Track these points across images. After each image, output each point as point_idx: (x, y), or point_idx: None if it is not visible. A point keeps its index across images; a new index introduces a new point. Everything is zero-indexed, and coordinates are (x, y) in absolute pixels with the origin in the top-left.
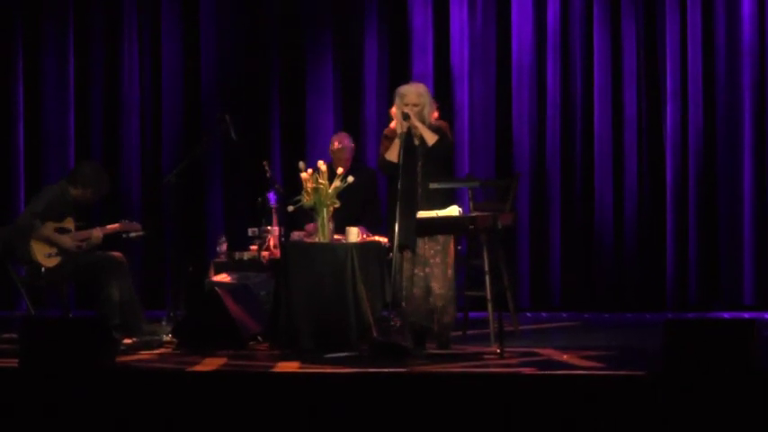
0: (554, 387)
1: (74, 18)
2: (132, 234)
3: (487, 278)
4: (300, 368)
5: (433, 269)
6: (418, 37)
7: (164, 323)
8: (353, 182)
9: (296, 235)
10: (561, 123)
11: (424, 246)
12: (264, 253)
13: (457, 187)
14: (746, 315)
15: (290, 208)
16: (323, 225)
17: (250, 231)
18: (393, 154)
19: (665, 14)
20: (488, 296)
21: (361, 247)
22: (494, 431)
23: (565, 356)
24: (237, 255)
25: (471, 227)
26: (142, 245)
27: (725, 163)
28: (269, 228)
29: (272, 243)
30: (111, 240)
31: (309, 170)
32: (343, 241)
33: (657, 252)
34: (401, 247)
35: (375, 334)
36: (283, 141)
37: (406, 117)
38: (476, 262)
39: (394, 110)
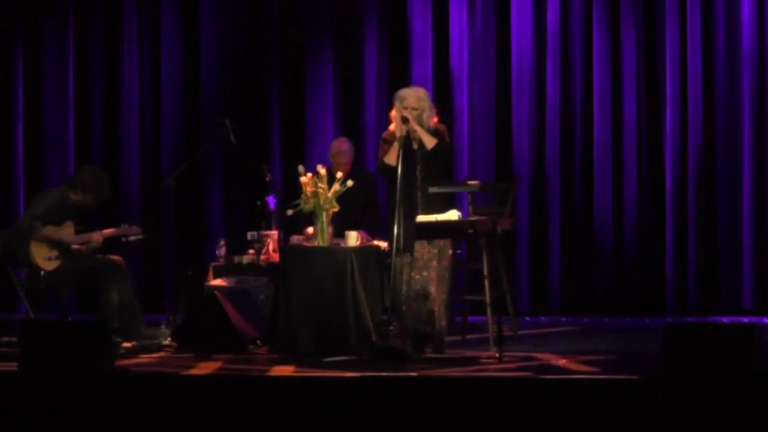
0: (551, 391)
1: (74, 18)
2: (132, 238)
3: (487, 282)
4: (295, 372)
5: (431, 273)
6: (418, 40)
7: (163, 327)
8: (353, 186)
9: (295, 239)
10: (561, 127)
11: (423, 249)
12: (263, 257)
13: (456, 191)
14: (746, 319)
15: (290, 212)
16: (322, 229)
17: (249, 235)
18: (392, 157)
19: (665, 18)
20: (488, 300)
21: (361, 251)
22: None
23: (562, 361)
24: (237, 258)
25: (471, 231)
26: (141, 248)
27: (724, 167)
28: (268, 232)
29: (271, 247)
30: (111, 244)
31: (309, 174)
32: (343, 245)
33: (657, 256)
34: (399, 251)
35: (374, 338)
36: (283, 144)
37: (405, 120)
38: (475, 266)
39: (394, 113)
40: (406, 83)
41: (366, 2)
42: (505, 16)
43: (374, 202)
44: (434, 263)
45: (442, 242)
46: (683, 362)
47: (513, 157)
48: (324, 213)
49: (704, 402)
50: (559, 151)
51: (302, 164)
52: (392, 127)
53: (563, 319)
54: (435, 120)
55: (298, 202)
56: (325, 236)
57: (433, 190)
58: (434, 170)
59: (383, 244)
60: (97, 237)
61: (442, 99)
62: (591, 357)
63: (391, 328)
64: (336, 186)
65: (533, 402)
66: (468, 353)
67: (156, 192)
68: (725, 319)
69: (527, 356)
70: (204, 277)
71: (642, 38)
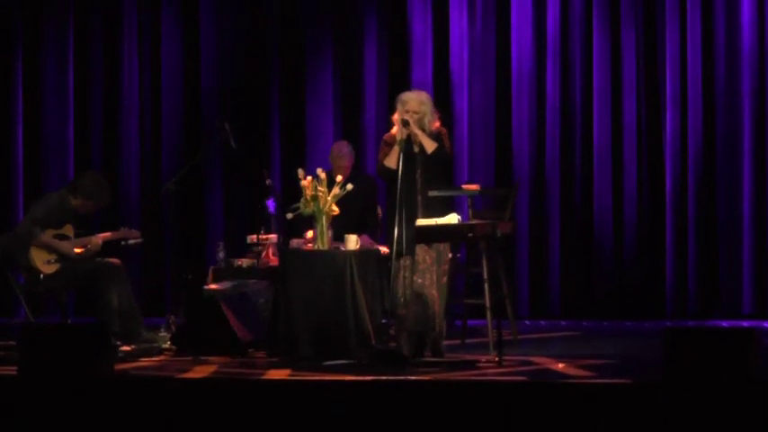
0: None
1: (74, 18)
2: (131, 241)
3: (486, 286)
4: (291, 376)
5: (430, 276)
6: (418, 42)
7: (162, 330)
8: (352, 189)
9: (295, 242)
10: (561, 130)
11: (423, 253)
12: (263, 260)
13: (456, 195)
14: (746, 324)
15: (289, 215)
16: (322, 233)
17: (249, 238)
18: (392, 160)
19: (665, 21)
20: (487, 304)
21: (361, 254)
22: None
23: (560, 365)
24: (236, 262)
25: (470, 235)
26: (141, 252)
27: (724, 170)
28: (268, 235)
29: (270, 250)
30: (111, 247)
31: (309, 178)
32: (342, 249)
33: (657, 260)
34: (399, 254)
35: (374, 341)
36: (283, 145)
37: (405, 124)
38: (475, 270)
39: (395, 116)
40: (406, 85)
41: (366, 3)
42: (505, 18)
43: (374, 207)
44: (433, 267)
45: (441, 246)
46: (683, 366)
47: (513, 159)
48: (323, 217)
49: (704, 406)
50: (559, 153)
51: (302, 166)
52: (394, 130)
53: (563, 322)
54: (437, 124)
55: (297, 205)
56: (325, 239)
57: (433, 193)
58: (434, 174)
59: (386, 249)
60: (96, 240)
61: (442, 102)
62: (590, 362)
63: (391, 331)
64: (336, 190)
65: (532, 406)
66: (468, 356)
67: (156, 194)
68: (725, 324)
69: (526, 360)
70: (203, 281)
71: (642, 39)
